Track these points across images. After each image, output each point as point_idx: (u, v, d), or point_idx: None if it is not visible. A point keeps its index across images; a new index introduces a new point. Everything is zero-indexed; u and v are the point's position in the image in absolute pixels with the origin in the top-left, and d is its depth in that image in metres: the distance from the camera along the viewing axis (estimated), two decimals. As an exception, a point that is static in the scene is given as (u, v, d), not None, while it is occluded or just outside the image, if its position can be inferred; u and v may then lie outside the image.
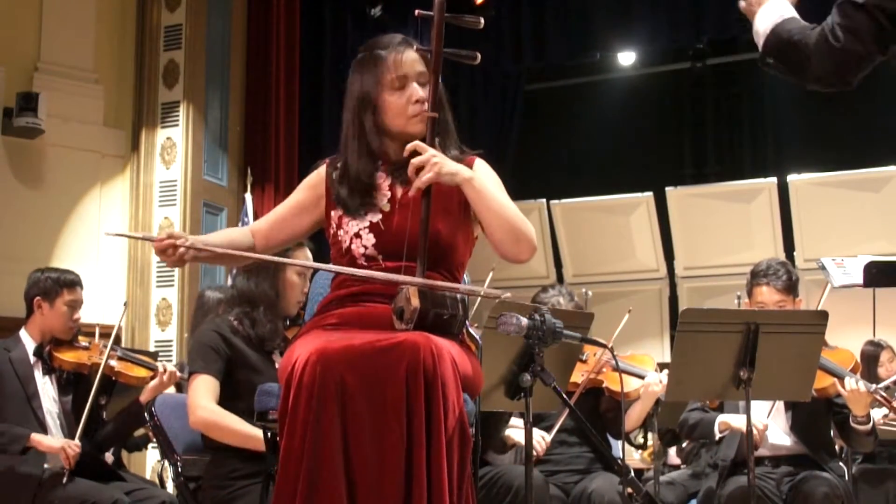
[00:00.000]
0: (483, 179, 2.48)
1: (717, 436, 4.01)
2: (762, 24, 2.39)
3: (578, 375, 4.00)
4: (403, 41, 2.56)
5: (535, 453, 3.78)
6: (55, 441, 3.99)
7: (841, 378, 3.78)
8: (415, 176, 2.40)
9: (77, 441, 3.99)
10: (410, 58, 2.54)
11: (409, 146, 2.44)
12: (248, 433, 3.26)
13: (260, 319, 3.43)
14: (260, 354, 3.43)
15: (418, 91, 2.51)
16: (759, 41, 2.40)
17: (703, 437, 4.13)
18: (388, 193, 2.54)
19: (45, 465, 3.97)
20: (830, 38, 2.21)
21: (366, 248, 2.50)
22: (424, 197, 2.43)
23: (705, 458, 4.73)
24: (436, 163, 2.39)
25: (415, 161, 2.41)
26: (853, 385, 3.74)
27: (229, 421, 3.33)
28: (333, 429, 2.23)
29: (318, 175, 2.66)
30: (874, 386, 3.78)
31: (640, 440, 4.51)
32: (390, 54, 2.54)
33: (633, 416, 4.19)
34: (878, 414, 4.50)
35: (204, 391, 3.38)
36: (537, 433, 3.85)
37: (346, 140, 2.57)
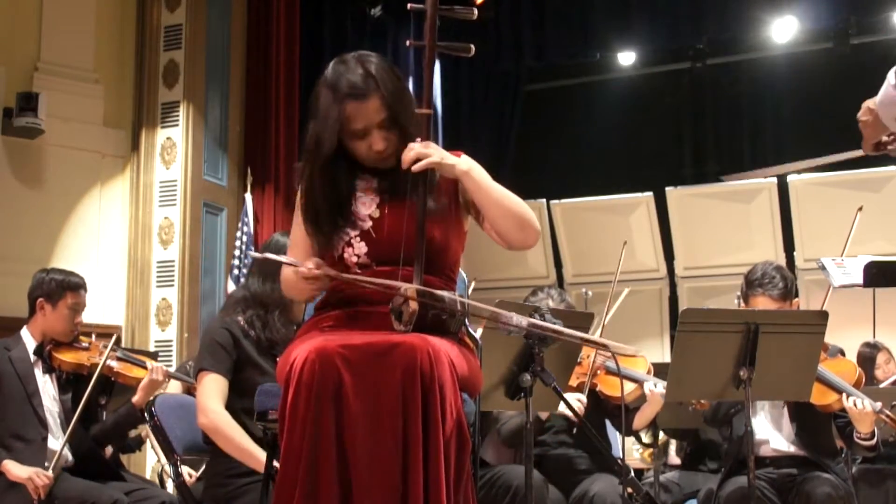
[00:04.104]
0: (480, 170, 2.48)
1: None
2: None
3: (574, 379, 4.00)
4: (365, 80, 2.42)
5: (576, 419, 3.82)
6: (24, 470, 3.93)
7: (846, 395, 3.78)
8: (410, 150, 2.39)
9: (67, 441, 3.98)
10: (369, 108, 2.42)
11: (412, 144, 2.42)
12: (250, 451, 3.25)
13: (273, 324, 3.42)
14: (266, 357, 3.42)
15: (379, 142, 2.44)
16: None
17: (732, 405, 4.03)
18: (378, 199, 2.51)
19: (45, 464, 3.97)
20: None
21: (358, 256, 2.48)
22: (419, 199, 2.42)
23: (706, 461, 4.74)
24: (436, 151, 2.40)
25: (414, 145, 2.40)
26: (859, 405, 3.73)
27: (234, 433, 3.29)
28: (329, 428, 2.23)
29: None
30: (879, 404, 3.77)
31: (650, 438, 4.53)
32: (348, 104, 2.42)
33: (643, 417, 4.22)
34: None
35: (213, 391, 3.36)
36: (575, 397, 3.86)
37: (311, 155, 2.49)
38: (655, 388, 4.06)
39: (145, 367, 4.30)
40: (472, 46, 2.49)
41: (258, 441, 3.23)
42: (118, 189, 7.31)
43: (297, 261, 2.45)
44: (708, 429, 4.59)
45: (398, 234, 2.43)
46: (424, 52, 2.47)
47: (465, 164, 2.45)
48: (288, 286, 2.57)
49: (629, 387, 4.13)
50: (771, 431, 4.01)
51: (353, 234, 2.49)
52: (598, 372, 4.11)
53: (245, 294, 3.52)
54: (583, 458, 4.07)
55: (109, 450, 4.66)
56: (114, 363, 4.24)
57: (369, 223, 2.49)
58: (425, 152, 2.39)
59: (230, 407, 3.37)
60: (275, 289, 3.37)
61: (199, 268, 7.23)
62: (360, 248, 2.49)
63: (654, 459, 4.81)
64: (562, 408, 3.85)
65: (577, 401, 3.90)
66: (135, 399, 4.22)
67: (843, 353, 4.59)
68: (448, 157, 2.42)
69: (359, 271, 2.47)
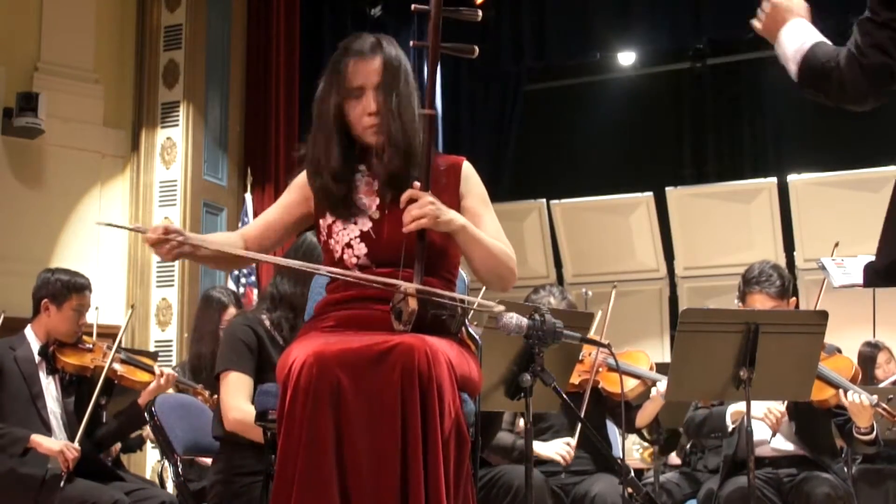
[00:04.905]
0: (474, 229, 2.48)
1: (730, 427, 3.98)
2: (789, 49, 2.38)
3: (576, 376, 4.00)
4: (373, 46, 2.49)
5: (564, 463, 3.84)
6: (55, 443, 3.97)
7: (843, 390, 3.78)
8: (408, 212, 2.38)
9: (77, 444, 3.99)
10: (370, 67, 2.47)
11: (405, 196, 2.39)
12: None
13: (300, 328, 3.38)
14: None
15: (371, 104, 2.47)
16: (790, 68, 2.39)
17: (714, 431, 4.09)
18: (377, 200, 2.51)
19: (49, 466, 3.97)
20: (858, 56, 2.22)
21: (358, 257, 2.49)
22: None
23: (705, 460, 4.74)
24: (432, 211, 2.37)
25: (413, 205, 2.37)
26: (856, 399, 3.73)
27: None
28: (328, 431, 2.23)
29: (304, 176, 2.63)
30: (876, 398, 3.77)
31: (654, 435, 4.53)
32: (350, 61, 2.49)
33: (646, 414, 4.21)
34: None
35: (238, 390, 3.33)
36: (562, 442, 3.87)
37: (315, 133, 2.55)
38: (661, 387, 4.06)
39: (149, 371, 4.28)
40: (476, 48, 2.48)
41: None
42: (118, 189, 7.32)
43: (143, 227, 2.44)
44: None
45: (398, 236, 2.43)
46: (428, 54, 2.45)
47: (461, 220, 2.44)
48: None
49: (633, 383, 4.13)
50: (770, 431, 4.01)
51: (352, 235, 2.50)
52: (600, 369, 4.10)
53: (273, 293, 3.48)
54: (583, 458, 4.06)
55: (118, 447, 4.67)
56: (118, 366, 4.21)
57: (369, 224, 2.50)
58: (419, 213, 2.36)
59: None
60: (304, 293, 3.34)
61: (199, 268, 7.22)
62: (360, 249, 2.49)
63: (654, 459, 4.80)
64: (546, 453, 3.86)
65: (566, 444, 3.90)
66: (141, 400, 4.22)
67: (839, 352, 4.59)
68: (444, 216, 2.39)
69: (358, 272, 2.47)
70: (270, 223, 2.64)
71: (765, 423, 3.88)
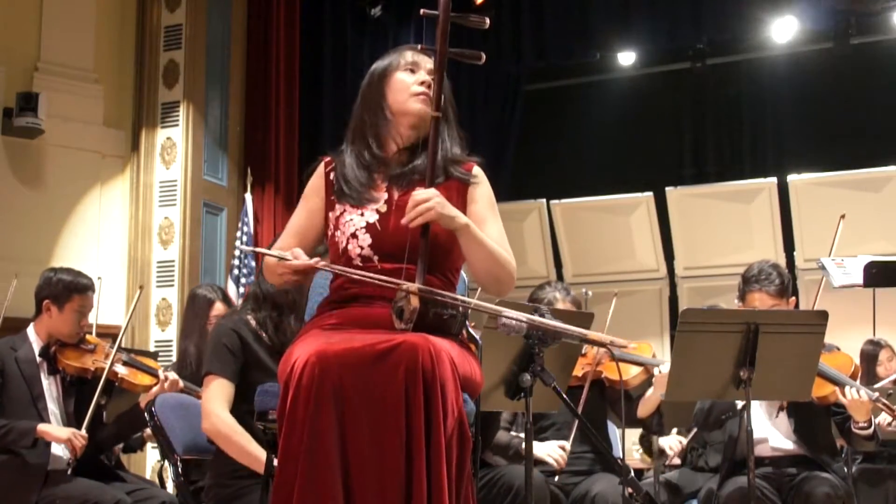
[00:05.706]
0: (477, 230, 2.50)
1: (739, 405, 3.98)
2: None
3: (579, 369, 4.00)
4: (424, 50, 2.64)
5: (557, 466, 3.83)
6: (63, 431, 3.95)
7: (841, 386, 3.78)
8: (412, 206, 2.42)
9: (84, 432, 3.98)
10: (428, 60, 2.62)
11: (413, 196, 2.43)
12: (254, 454, 3.26)
13: (288, 328, 3.38)
14: (275, 359, 3.38)
15: (426, 77, 2.59)
16: None
17: (724, 412, 4.08)
18: (385, 195, 2.55)
19: (50, 467, 3.96)
20: None
21: (361, 248, 2.51)
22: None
23: (706, 457, 4.73)
24: (438, 203, 2.42)
25: (417, 195, 2.42)
26: (854, 394, 3.74)
27: (238, 437, 3.30)
28: (331, 431, 2.23)
29: (318, 176, 2.66)
30: (875, 393, 3.77)
31: (657, 426, 4.52)
32: (409, 50, 2.65)
33: (648, 404, 4.20)
34: (885, 417, 4.50)
35: (218, 396, 3.34)
36: (556, 445, 3.86)
37: (353, 124, 2.64)
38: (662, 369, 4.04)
39: (151, 374, 4.25)
40: (483, 55, 2.53)
41: (263, 444, 3.22)
42: (118, 189, 7.32)
43: (287, 254, 2.47)
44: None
45: (403, 229, 2.45)
46: (435, 58, 2.49)
47: (464, 219, 2.48)
48: (270, 274, 2.56)
49: (635, 370, 4.12)
50: (769, 429, 4.01)
51: (358, 226, 2.51)
52: (603, 360, 4.10)
53: (257, 292, 3.47)
54: (583, 458, 4.06)
55: (120, 447, 4.66)
56: (121, 368, 4.19)
57: (376, 216, 2.52)
58: (425, 207, 2.40)
59: (237, 410, 3.35)
60: (289, 291, 3.34)
61: (199, 268, 7.23)
62: (365, 240, 2.52)
63: (654, 459, 4.80)
64: (539, 454, 3.85)
65: (560, 447, 3.90)
66: (142, 402, 4.20)
67: (838, 349, 4.59)
68: (448, 210, 2.44)
69: (361, 265, 2.49)
70: (302, 230, 2.64)
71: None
